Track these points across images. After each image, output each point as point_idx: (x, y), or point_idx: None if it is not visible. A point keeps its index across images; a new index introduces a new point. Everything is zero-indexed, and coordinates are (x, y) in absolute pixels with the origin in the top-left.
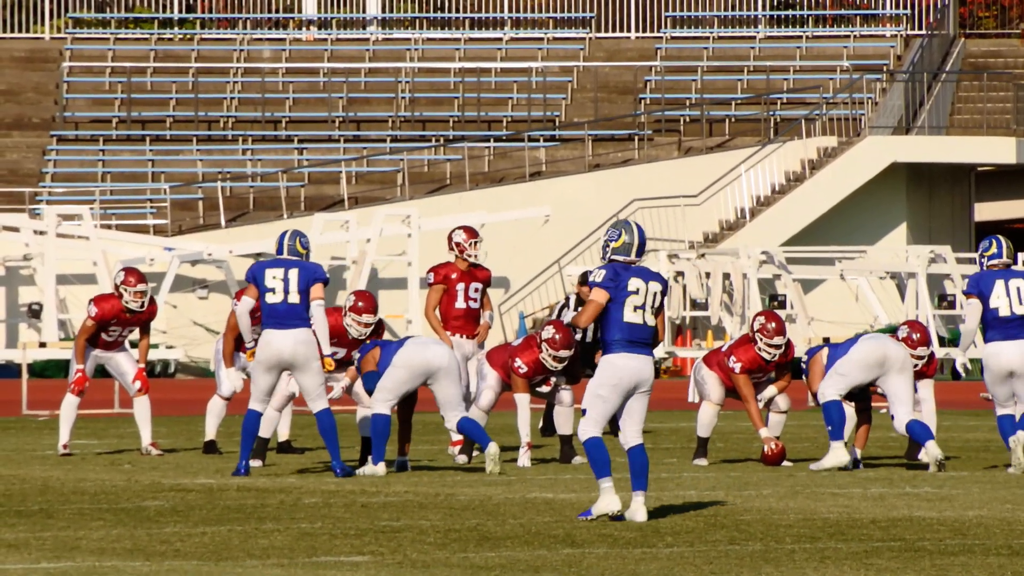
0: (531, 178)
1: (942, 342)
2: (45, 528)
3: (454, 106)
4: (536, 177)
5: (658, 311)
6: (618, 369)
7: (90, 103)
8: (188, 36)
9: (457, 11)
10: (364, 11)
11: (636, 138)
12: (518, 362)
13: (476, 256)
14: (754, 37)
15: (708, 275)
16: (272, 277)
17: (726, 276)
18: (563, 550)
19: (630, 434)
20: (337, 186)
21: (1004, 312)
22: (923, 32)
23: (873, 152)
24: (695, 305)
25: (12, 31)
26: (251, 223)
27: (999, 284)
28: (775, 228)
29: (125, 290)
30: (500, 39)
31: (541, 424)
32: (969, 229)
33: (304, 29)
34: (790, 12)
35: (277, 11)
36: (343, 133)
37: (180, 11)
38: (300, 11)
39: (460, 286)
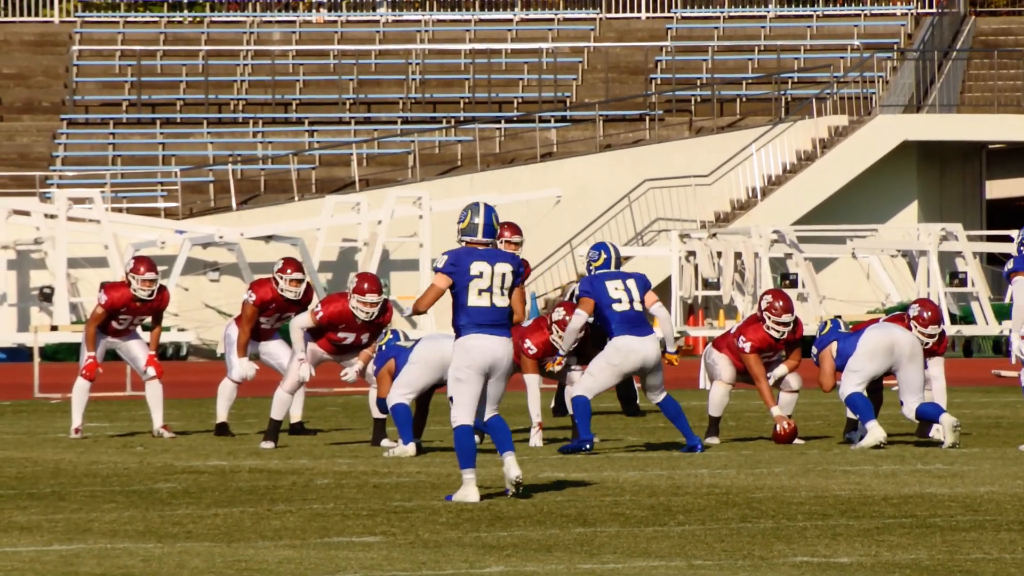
0: (542, 159)
1: (953, 320)
2: (57, 510)
3: (465, 87)
4: (547, 158)
5: (511, 290)
6: (470, 350)
7: (100, 86)
8: (198, 19)
9: None
10: None
11: (647, 118)
12: (528, 343)
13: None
14: (765, 16)
15: (720, 255)
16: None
17: (738, 255)
18: (575, 529)
19: (486, 411)
20: (348, 168)
21: None
22: (934, 10)
23: (884, 131)
24: (707, 285)
25: (22, 15)
26: (262, 205)
27: None
28: (786, 207)
29: (134, 278)
30: (510, 20)
31: (553, 404)
32: (980, 207)
33: (314, 11)
34: None
35: None
36: (354, 115)
37: None
38: None
39: None
